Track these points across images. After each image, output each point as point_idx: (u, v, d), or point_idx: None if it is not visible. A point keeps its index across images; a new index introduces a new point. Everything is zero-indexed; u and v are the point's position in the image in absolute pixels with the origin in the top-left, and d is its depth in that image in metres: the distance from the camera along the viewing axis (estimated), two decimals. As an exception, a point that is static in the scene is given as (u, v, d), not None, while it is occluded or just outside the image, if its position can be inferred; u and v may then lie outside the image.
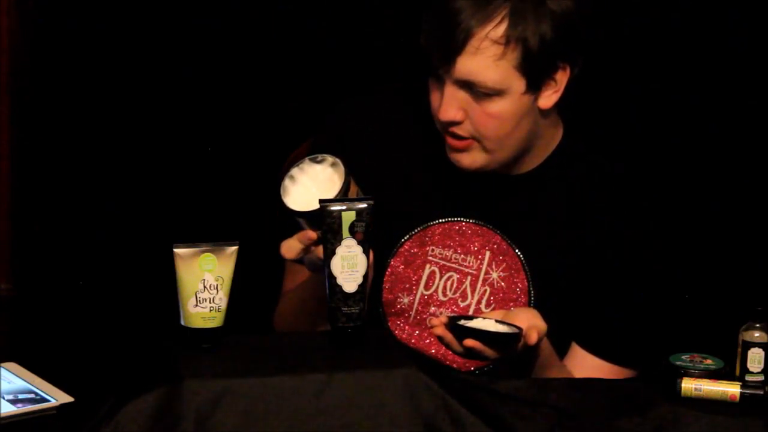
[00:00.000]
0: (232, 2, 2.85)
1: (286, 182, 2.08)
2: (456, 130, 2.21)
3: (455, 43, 2.16)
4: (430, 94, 2.24)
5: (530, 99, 2.21)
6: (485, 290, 2.29)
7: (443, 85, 2.19)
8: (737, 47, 2.80)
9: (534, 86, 2.20)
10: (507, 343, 2.06)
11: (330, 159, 2.08)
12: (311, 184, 2.08)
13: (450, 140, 2.22)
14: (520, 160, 2.28)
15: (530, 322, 2.08)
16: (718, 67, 2.80)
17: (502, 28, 2.16)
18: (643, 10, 2.79)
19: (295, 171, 2.09)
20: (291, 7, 2.86)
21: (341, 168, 2.07)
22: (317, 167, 2.09)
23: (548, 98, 2.23)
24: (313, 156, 2.10)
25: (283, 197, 2.06)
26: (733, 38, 2.80)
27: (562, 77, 2.22)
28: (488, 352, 2.05)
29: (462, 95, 2.19)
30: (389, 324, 2.31)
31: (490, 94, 2.18)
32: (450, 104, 2.19)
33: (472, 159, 2.23)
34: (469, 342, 2.04)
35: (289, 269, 2.36)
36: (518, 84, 2.19)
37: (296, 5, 2.86)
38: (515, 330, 2.05)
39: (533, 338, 2.06)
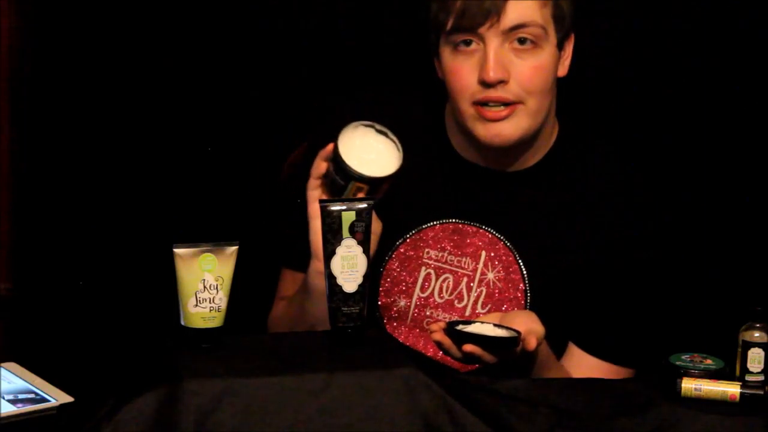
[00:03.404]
0: (232, 2, 2.85)
1: (351, 130, 2.11)
2: (502, 93, 2.19)
3: None
4: (447, 73, 2.23)
5: (557, 59, 2.23)
6: (481, 291, 2.29)
7: (484, 45, 2.18)
8: (737, 47, 2.80)
9: (560, 44, 2.23)
10: (506, 347, 2.05)
11: (394, 139, 2.11)
12: (371, 149, 2.10)
13: (490, 112, 2.20)
14: (523, 152, 2.28)
15: (528, 327, 2.08)
16: (716, 67, 2.80)
17: None
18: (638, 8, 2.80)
19: (359, 127, 2.11)
20: (291, 7, 2.85)
21: (400, 154, 2.09)
22: (380, 137, 2.10)
23: (563, 65, 2.26)
24: (372, 124, 2.12)
25: (340, 143, 2.09)
26: (732, 35, 2.80)
27: (569, 46, 2.25)
28: (487, 357, 2.05)
29: (506, 53, 2.19)
30: (386, 327, 2.31)
31: (534, 43, 2.19)
32: (496, 62, 2.18)
33: (516, 125, 2.21)
34: (469, 347, 2.04)
35: (285, 273, 2.36)
36: (553, 35, 2.22)
37: (296, 5, 2.85)
38: (513, 334, 2.05)
39: (532, 344, 2.06)
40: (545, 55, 2.20)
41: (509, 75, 2.18)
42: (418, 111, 2.33)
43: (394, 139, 2.12)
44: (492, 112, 2.19)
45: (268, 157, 2.75)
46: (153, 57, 2.85)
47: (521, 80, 2.19)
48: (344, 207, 1.93)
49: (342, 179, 2.07)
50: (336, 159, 2.08)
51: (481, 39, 2.18)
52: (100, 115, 2.86)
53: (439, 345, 2.08)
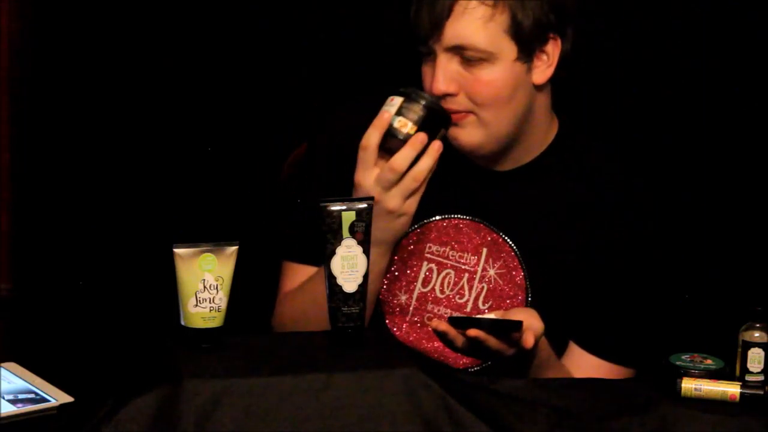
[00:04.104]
0: (232, 2, 2.85)
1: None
2: (450, 105, 2.19)
3: (442, 7, 2.17)
4: (423, 78, 2.24)
5: (523, 69, 2.21)
6: (482, 287, 2.29)
7: (435, 58, 2.19)
8: (737, 47, 2.80)
9: (525, 54, 2.20)
10: (509, 330, 2.05)
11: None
12: None
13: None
14: (515, 151, 2.28)
15: (527, 323, 2.08)
16: (715, 68, 2.80)
17: None
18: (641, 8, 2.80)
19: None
20: (291, 7, 2.85)
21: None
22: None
23: (542, 72, 2.23)
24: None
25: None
26: (732, 36, 2.80)
27: (554, 50, 2.23)
28: (491, 341, 2.04)
29: (454, 66, 2.19)
30: (387, 322, 2.31)
31: (482, 59, 2.18)
32: (442, 76, 2.19)
33: (468, 135, 2.22)
34: (473, 332, 2.03)
35: (287, 268, 2.35)
36: (509, 49, 2.19)
37: (297, 6, 2.85)
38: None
39: (530, 341, 2.06)
40: (498, 69, 2.19)
41: (458, 87, 2.19)
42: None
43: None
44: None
45: (268, 157, 2.75)
46: (153, 57, 2.85)
47: (470, 93, 2.20)
48: (344, 207, 1.93)
49: (423, 119, 2.13)
50: (414, 99, 2.14)
51: (431, 51, 2.20)
52: (100, 115, 2.86)
53: (442, 336, 2.07)
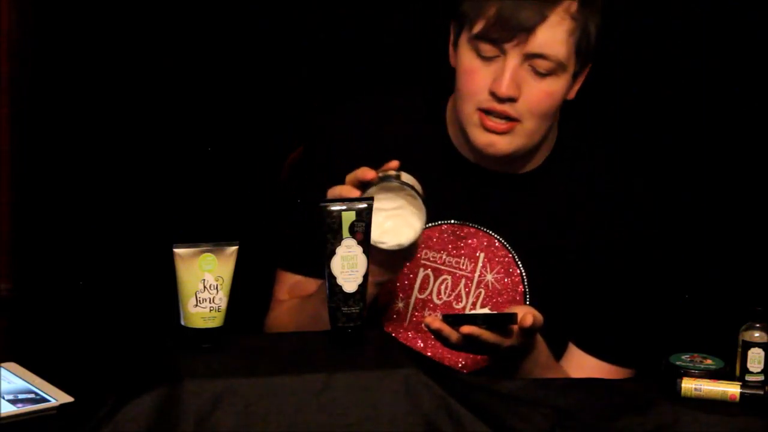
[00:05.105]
0: (232, 2, 2.85)
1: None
2: (507, 109, 2.18)
3: (536, 13, 2.16)
4: (462, 72, 2.21)
5: (569, 86, 2.23)
6: (480, 292, 2.29)
7: (504, 59, 2.17)
8: (737, 47, 2.80)
9: (578, 73, 2.23)
10: (504, 323, 2.04)
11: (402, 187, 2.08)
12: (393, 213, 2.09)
13: (491, 122, 2.19)
14: (519, 160, 2.28)
15: (526, 309, 2.08)
16: (715, 68, 2.81)
17: (575, 5, 2.18)
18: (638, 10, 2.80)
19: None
20: (291, 7, 2.86)
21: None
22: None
23: (573, 91, 2.26)
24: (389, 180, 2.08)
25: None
26: (732, 36, 2.80)
27: (584, 74, 2.26)
28: (486, 335, 2.04)
29: (523, 72, 2.18)
30: (384, 329, 2.31)
31: (553, 71, 2.18)
32: (512, 79, 2.17)
33: (508, 143, 2.21)
34: (467, 329, 2.03)
35: (281, 276, 2.35)
36: (572, 65, 2.21)
37: (297, 6, 2.86)
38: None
39: (528, 320, 2.05)
40: (560, 82, 2.20)
41: (520, 93, 2.18)
42: (419, 110, 2.33)
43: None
44: (492, 122, 2.19)
45: (268, 157, 2.75)
46: (153, 57, 2.85)
47: (530, 101, 2.18)
48: (344, 207, 1.92)
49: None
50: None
51: (503, 52, 2.18)
52: (100, 115, 2.86)
53: (437, 334, 2.06)
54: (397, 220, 2.08)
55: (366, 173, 2.07)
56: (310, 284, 2.29)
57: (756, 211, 2.82)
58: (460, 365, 2.28)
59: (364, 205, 1.93)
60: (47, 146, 2.83)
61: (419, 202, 2.07)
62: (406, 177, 2.09)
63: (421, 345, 2.30)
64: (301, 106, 2.85)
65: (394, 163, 2.09)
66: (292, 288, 2.32)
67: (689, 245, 2.75)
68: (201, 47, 2.85)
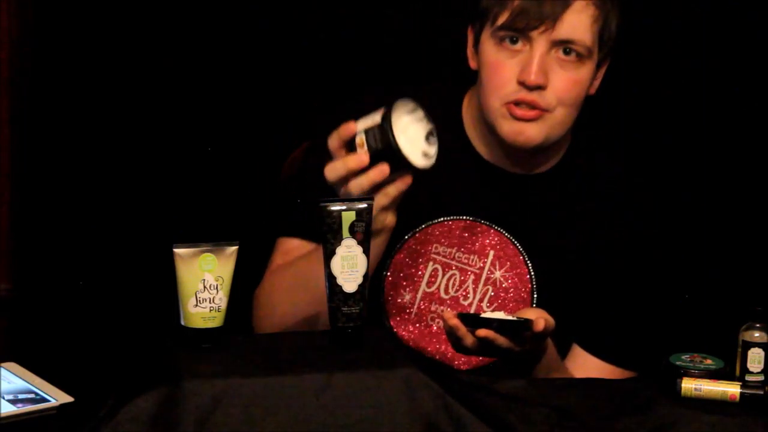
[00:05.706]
0: (232, 2, 2.85)
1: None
2: (536, 98, 2.19)
3: (562, 0, 2.17)
4: (487, 66, 2.22)
5: (593, 76, 2.24)
6: (487, 289, 2.29)
7: (531, 48, 2.18)
8: (737, 47, 2.80)
9: (600, 63, 2.25)
10: (518, 329, 2.05)
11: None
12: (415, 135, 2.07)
13: (519, 111, 2.20)
14: (537, 158, 2.28)
15: (538, 314, 2.08)
16: (715, 68, 2.81)
17: None
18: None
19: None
20: (291, 7, 2.86)
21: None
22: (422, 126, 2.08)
23: (594, 85, 2.27)
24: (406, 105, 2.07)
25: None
26: (732, 36, 2.80)
27: (603, 69, 2.27)
28: (500, 340, 2.04)
29: (551, 60, 2.19)
30: (390, 320, 2.31)
31: (581, 58, 2.20)
32: (540, 67, 2.18)
33: (539, 130, 2.21)
34: (482, 332, 2.03)
35: (280, 244, 2.33)
36: (596, 54, 2.23)
37: (297, 6, 2.86)
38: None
39: (540, 324, 2.05)
40: (585, 70, 2.21)
41: (548, 82, 2.18)
42: (435, 106, 2.33)
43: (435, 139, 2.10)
44: (521, 110, 2.19)
45: (268, 157, 2.75)
46: (153, 57, 2.85)
47: (558, 89, 2.19)
48: (344, 207, 1.92)
49: (379, 146, 2.03)
50: (384, 129, 2.03)
51: (529, 41, 2.19)
52: (100, 115, 2.86)
53: (451, 333, 2.06)
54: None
55: (347, 129, 2.05)
56: (306, 249, 2.27)
57: (756, 211, 2.82)
58: (462, 364, 2.28)
59: (364, 205, 1.93)
60: (47, 146, 2.83)
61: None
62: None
63: (426, 340, 2.29)
64: (301, 106, 2.85)
65: (352, 126, 2.06)
66: (288, 253, 2.29)
67: (689, 245, 2.75)
68: (201, 47, 2.85)
